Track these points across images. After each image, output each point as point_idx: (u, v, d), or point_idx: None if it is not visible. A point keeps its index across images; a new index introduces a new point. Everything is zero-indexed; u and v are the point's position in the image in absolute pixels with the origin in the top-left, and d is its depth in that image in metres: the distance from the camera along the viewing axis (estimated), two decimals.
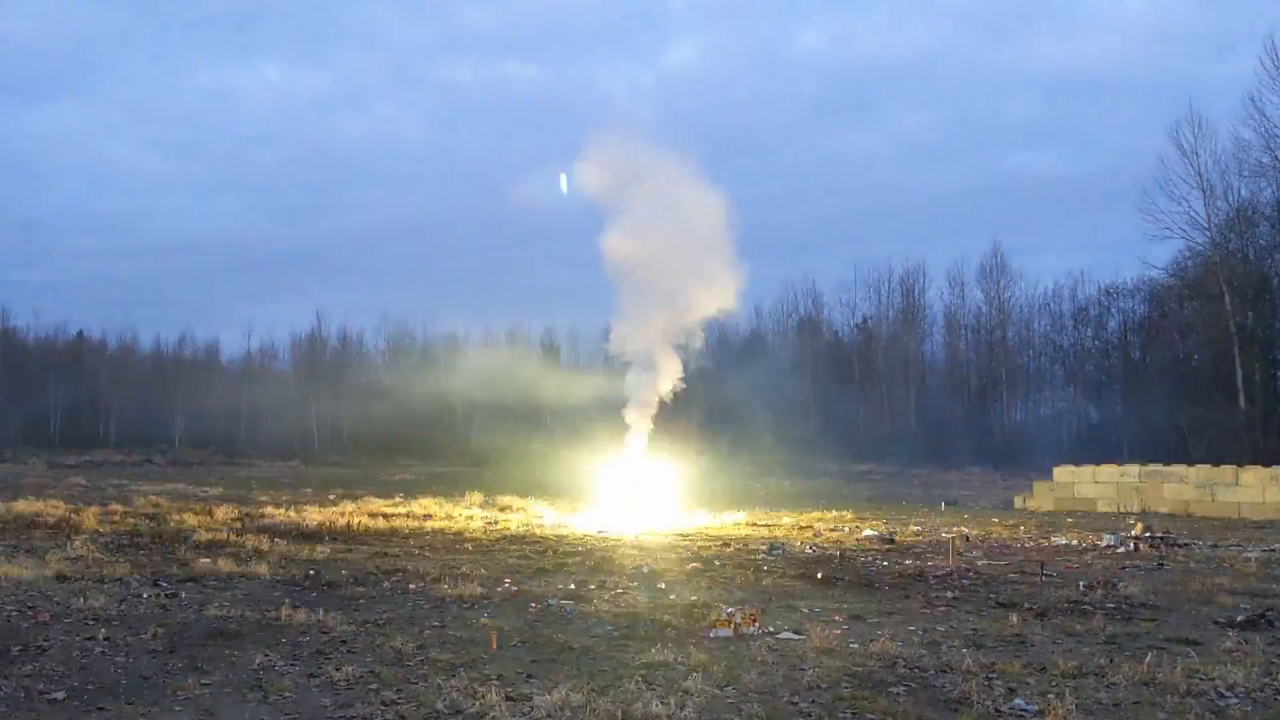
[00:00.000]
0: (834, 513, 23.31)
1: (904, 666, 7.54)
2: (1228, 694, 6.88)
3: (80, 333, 75.02)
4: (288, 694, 6.68)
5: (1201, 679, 7.20)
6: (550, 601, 10.56)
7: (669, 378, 24.75)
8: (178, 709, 6.31)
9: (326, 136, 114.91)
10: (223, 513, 20.11)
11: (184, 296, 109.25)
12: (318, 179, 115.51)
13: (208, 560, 12.93)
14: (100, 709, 6.29)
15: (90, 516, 18.64)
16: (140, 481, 32.82)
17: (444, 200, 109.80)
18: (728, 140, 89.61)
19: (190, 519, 18.66)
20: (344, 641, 8.33)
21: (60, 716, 6.11)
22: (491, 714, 6.00)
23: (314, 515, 19.14)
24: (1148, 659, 7.70)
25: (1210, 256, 41.68)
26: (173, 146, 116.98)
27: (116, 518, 18.95)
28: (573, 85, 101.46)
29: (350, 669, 7.27)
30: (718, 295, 24.60)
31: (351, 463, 57.97)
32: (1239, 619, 9.91)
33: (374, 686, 6.87)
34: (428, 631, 8.84)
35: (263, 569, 12.46)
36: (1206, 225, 41.15)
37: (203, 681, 6.96)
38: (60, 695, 6.56)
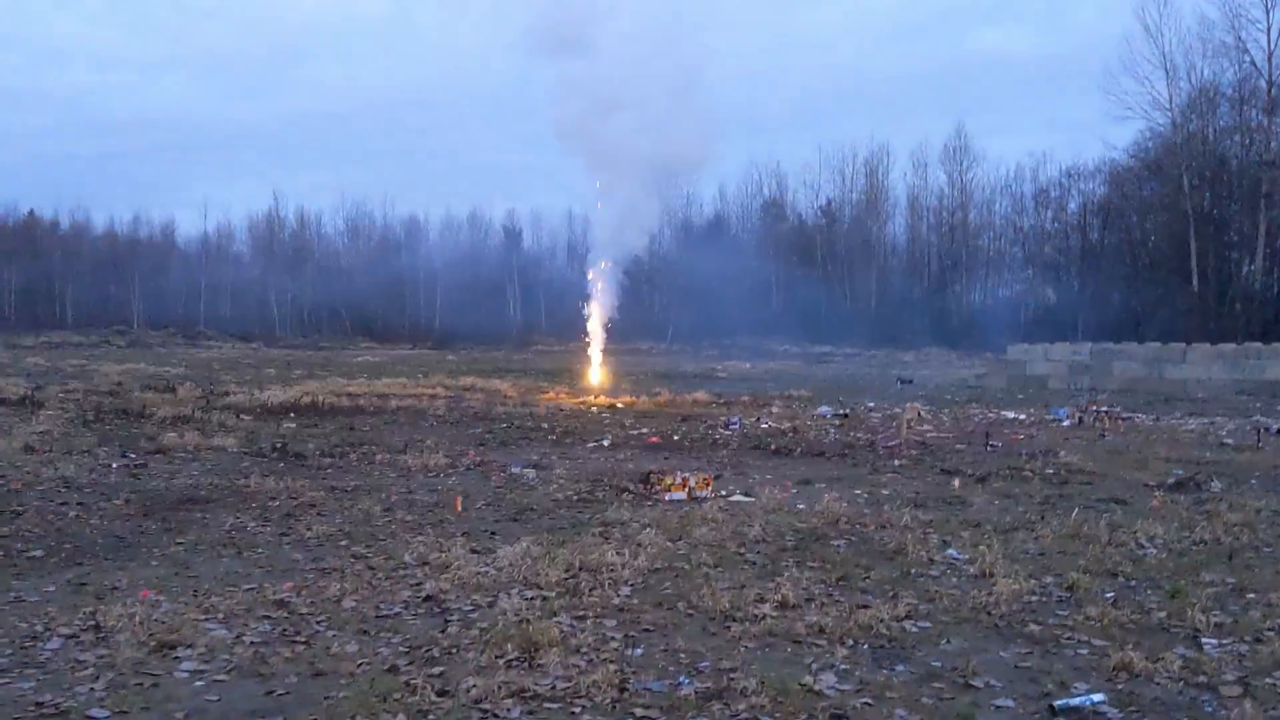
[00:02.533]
0: (791, 391, 23.81)
1: (846, 523, 7.96)
2: (1147, 545, 7.34)
3: (31, 212, 73.44)
4: (260, 550, 6.98)
5: (1124, 533, 7.66)
6: (514, 469, 10.91)
7: (644, 229, 24.66)
8: (154, 564, 6.59)
9: (279, 9, 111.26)
10: (186, 390, 20.23)
11: (138, 176, 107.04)
12: (271, 54, 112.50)
13: (174, 434, 13.12)
14: (78, 564, 6.55)
15: (53, 394, 18.71)
16: (100, 362, 32.69)
17: (403, 77, 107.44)
18: (690, 17, 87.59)
19: (154, 397, 18.76)
20: (313, 505, 8.63)
21: (41, 571, 6.36)
22: (456, 564, 6.33)
23: (278, 394, 19.30)
24: (1074, 515, 8.18)
25: (1171, 138, 41.98)
26: (119, 20, 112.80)
27: (80, 396, 19.02)
28: None
29: (320, 529, 7.59)
30: (694, 138, 24.36)
31: (313, 345, 57.92)
32: (1169, 482, 10.44)
33: (344, 543, 7.18)
34: (395, 497, 9.16)
35: (230, 442, 12.70)
36: (1168, 106, 41.40)
37: (177, 541, 7.24)
38: (39, 553, 6.81)
